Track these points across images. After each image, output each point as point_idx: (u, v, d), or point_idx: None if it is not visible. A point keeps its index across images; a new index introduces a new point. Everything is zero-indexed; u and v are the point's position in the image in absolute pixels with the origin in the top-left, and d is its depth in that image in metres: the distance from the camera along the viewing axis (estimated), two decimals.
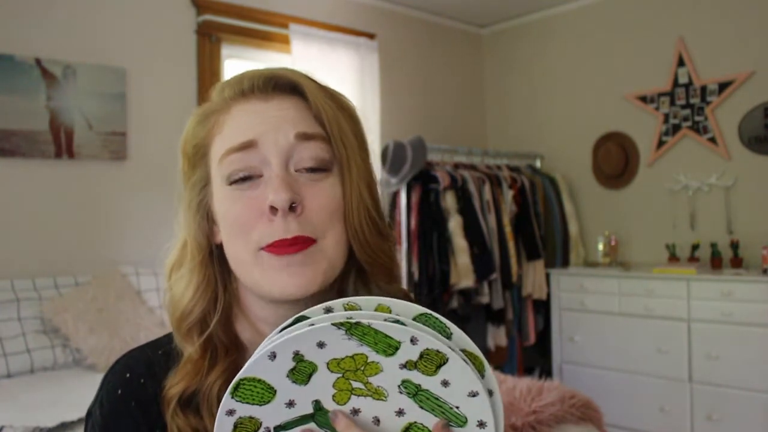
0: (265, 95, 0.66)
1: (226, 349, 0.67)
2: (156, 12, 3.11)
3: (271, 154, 0.63)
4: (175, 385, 0.64)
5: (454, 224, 3.47)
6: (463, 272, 3.40)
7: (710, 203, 3.61)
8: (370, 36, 3.93)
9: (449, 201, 3.51)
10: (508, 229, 3.71)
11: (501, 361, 3.74)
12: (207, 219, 0.68)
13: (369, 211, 0.67)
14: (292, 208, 0.61)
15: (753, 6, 3.44)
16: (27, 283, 2.52)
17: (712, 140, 3.57)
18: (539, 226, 3.91)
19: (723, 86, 3.52)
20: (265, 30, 3.46)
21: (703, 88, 3.60)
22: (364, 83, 3.77)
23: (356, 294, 0.69)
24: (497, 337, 3.69)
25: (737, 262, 3.32)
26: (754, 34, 3.43)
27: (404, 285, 3.46)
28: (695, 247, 3.54)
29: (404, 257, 3.50)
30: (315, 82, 0.68)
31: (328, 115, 0.65)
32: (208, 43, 3.26)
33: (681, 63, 3.68)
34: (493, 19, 4.58)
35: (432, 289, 3.44)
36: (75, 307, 2.44)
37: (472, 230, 3.48)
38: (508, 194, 3.80)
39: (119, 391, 0.66)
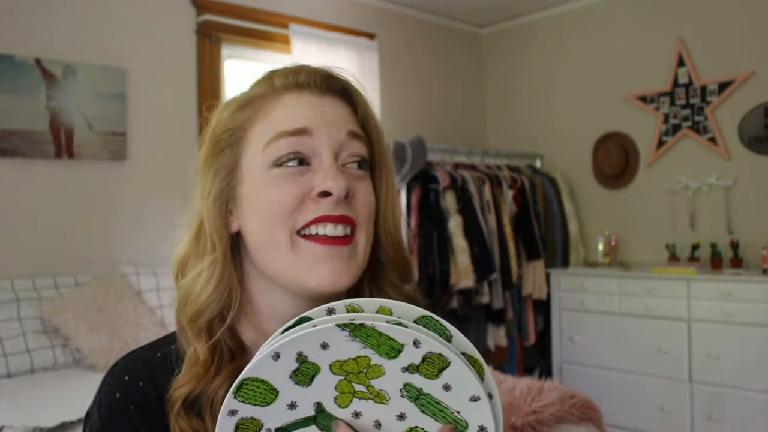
0: (319, 91, 0.68)
1: (232, 353, 0.66)
2: (156, 12, 3.11)
3: (323, 146, 0.64)
4: (181, 386, 0.63)
5: (454, 224, 3.47)
6: (463, 272, 3.40)
7: (710, 203, 3.61)
8: (370, 36, 3.93)
9: (449, 201, 3.51)
10: (508, 229, 3.71)
11: (501, 361, 3.74)
12: (225, 209, 0.67)
13: (396, 215, 0.71)
14: (346, 197, 0.63)
15: (753, 6, 3.44)
16: (27, 283, 2.52)
17: (712, 140, 3.57)
18: (539, 226, 3.91)
19: (723, 86, 3.52)
20: (265, 30, 3.46)
21: (703, 88, 3.60)
22: (364, 83, 3.70)
23: (370, 294, 0.70)
24: (497, 337, 3.69)
25: (737, 262, 3.32)
26: (754, 34, 3.43)
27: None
28: (695, 247, 3.54)
29: None
30: (359, 89, 0.72)
31: (374, 122, 0.70)
32: (208, 43, 3.26)
33: (681, 63, 3.68)
34: (493, 19, 4.58)
35: (432, 289, 3.44)
36: (75, 307, 2.44)
37: (472, 230, 3.48)
38: (508, 194, 3.80)
39: (117, 395, 0.65)
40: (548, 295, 3.88)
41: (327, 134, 0.65)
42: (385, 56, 3.98)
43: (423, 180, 3.51)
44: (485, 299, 3.53)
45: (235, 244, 0.68)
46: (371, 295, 0.70)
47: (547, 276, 3.88)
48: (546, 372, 3.85)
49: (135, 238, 2.95)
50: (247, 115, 0.67)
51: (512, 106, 4.60)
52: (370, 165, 0.69)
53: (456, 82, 4.55)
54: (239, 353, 0.66)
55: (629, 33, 3.94)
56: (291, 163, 0.64)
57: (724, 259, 3.42)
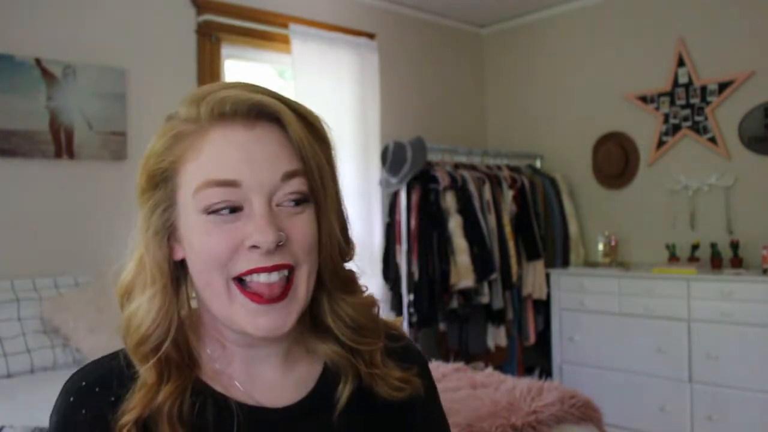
0: (247, 121, 0.64)
1: (179, 366, 0.66)
2: (156, 12, 3.11)
3: (254, 193, 0.62)
4: (129, 411, 0.63)
5: (454, 224, 3.47)
6: (463, 272, 3.40)
7: (710, 203, 3.61)
8: (370, 36, 3.93)
9: (449, 201, 3.51)
10: (508, 229, 3.71)
11: (501, 361, 3.74)
12: (168, 239, 0.67)
13: (339, 241, 0.70)
14: (278, 245, 0.62)
15: (753, 6, 3.44)
16: (27, 283, 2.52)
17: (712, 140, 3.57)
18: (539, 226, 3.91)
19: (723, 86, 3.52)
20: (265, 30, 3.46)
21: (703, 88, 3.60)
22: (364, 83, 3.77)
23: (329, 305, 0.72)
24: (497, 337, 3.69)
25: (737, 262, 3.32)
26: (754, 34, 3.43)
27: (404, 284, 3.46)
28: (695, 247, 3.54)
29: (404, 257, 3.50)
30: (294, 109, 0.67)
31: (308, 151, 0.65)
32: (208, 43, 3.26)
33: (681, 63, 3.68)
34: (493, 19, 4.58)
35: (432, 289, 3.44)
36: (75, 307, 2.44)
37: (472, 230, 3.48)
38: (508, 194, 3.80)
39: (72, 398, 0.65)
40: (548, 295, 3.88)
41: (259, 182, 0.62)
42: (385, 56, 3.98)
43: (423, 180, 3.52)
44: (485, 299, 3.53)
45: (181, 269, 0.69)
46: (330, 309, 0.72)
47: (547, 276, 3.88)
48: (546, 372, 3.85)
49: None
50: (177, 153, 0.65)
51: (512, 106, 4.60)
52: (312, 190, 0.66)
53: (456, 82, 4.55)
54: (185, 366, 0.67)
55: (629, 33, 3.94)
56: (222, 212, 0.62)
57: (724, 259, 3.42)
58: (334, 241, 0.69)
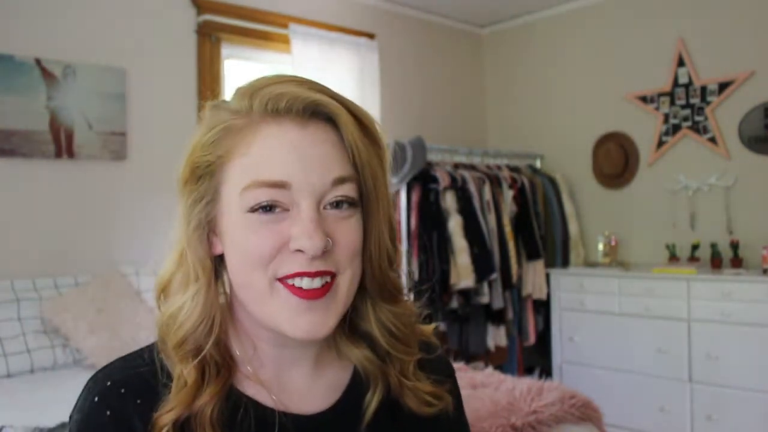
0: (301, 119, 0.62)
1: (218, 368, 0.65)
2: (156, 12, 3.11)
3: (303, 196, 0.61)
4: (167, 412, 0.61)
5: (454, 224, 3.47)
6: (463, 272, 3.40)
7: (710, 203, 3.61)
8: (370, 36, 3.93)
9: (449, 201, 3.51)
10: (508, 229, 3.70)
11: (501, 361, 3.74)
12: (208, 233, 0.66)
13: (388, 249, 0.68)
14: (323, 251, 0.61)
15: (753, 6, 3.44)
16: (27, 283, 2.52)
17: (712, 140, 3.57)
18: (539, 226, 3.91)
19: (723, 86, 3.52)
20: (265, 30, 3.46)
21: (703, 88, 3.60)
22: (364, 83, 3.77)
23: (373, 312, 0.70)
24: (497, 337, 3.69)
25: (737, 262, 3.32)
26: (754, 34, 3.43)
27: (403, 284, 3.46)
28: (695, 247, 3.54)
29: (404, 257, 3.50)
30: (350, 111, 0.65)
31: (363, 157, 0.64)
32: (208, 43, 3.26)
33: (681, 63, 3.68)
34: (493, 19, 4.58)
35: (432, 289, 3.44)
36: (75, 307, 2.44)
37: (472, 230, 3.48)
38: (508, 194, 3.80)
39: (96, 399, 0.63)
40: (548, 295, 3.88)
41: (309, 186, 0.61)
42: (385, 56, 3.98)
43: (423, 180, 3.51)
44: (485, 299, 3.53)
45: (219, 264, 0.67)
46: (372, 312, 0.70)
47: (547, 276, 3.88)
48: (546, 372, 3.85)
49: (135, 238, 2.95)
50: (225, 147, 0.63)
51: (512, 106, 4.60)
52: (360, 195, 0.64)
53: (456, 82, 4.55)
54: (225, 367, 0.66)
55: (629, 33, 3.94)
56: (267, 212, 0.61)
57: (724, 259, 3.42)
58: (383, 249, 0.67)
